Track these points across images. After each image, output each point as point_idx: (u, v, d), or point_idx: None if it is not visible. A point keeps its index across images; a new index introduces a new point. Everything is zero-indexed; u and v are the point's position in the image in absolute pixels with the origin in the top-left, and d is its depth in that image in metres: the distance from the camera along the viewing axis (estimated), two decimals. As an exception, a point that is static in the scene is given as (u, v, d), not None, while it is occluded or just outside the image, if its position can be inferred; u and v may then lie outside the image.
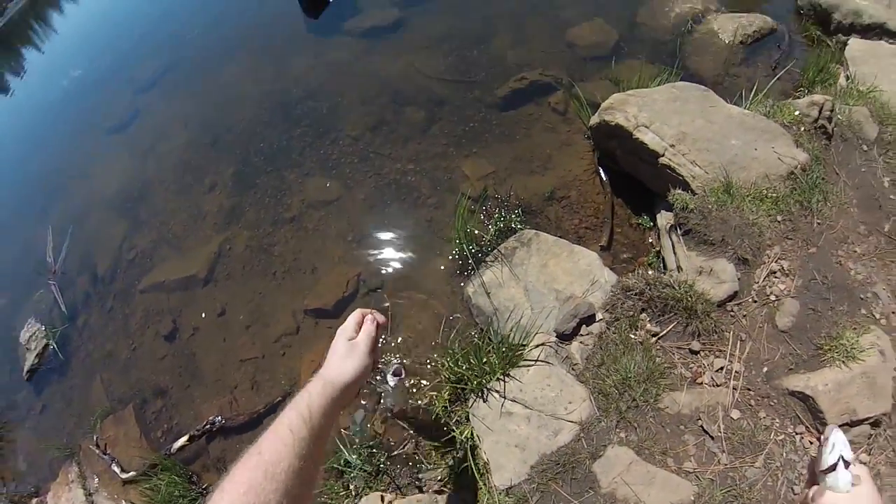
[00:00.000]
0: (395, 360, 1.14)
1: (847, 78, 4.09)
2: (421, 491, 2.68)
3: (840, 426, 2.40)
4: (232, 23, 7.07)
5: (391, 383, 1.33)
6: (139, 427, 3.65)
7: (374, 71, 5.29)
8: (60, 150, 6.65)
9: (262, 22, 6.76)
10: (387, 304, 3.51)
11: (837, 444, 0.99)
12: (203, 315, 3.99)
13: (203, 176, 4.95)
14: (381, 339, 1.43)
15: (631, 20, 5.30)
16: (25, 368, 4.31)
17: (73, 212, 5.41)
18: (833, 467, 0.97)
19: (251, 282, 4.02)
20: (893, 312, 2.79)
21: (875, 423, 2.46)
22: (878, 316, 2.74)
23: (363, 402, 3.14)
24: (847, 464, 0.97)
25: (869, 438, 2.44)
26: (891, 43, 4.62)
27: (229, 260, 4.22)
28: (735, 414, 2.41)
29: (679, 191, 3.12)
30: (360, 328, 1.29)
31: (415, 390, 3.06)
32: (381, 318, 1.33)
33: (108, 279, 4.60)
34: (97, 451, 3.60)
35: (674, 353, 2.65)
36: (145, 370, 3.91)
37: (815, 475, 1.02)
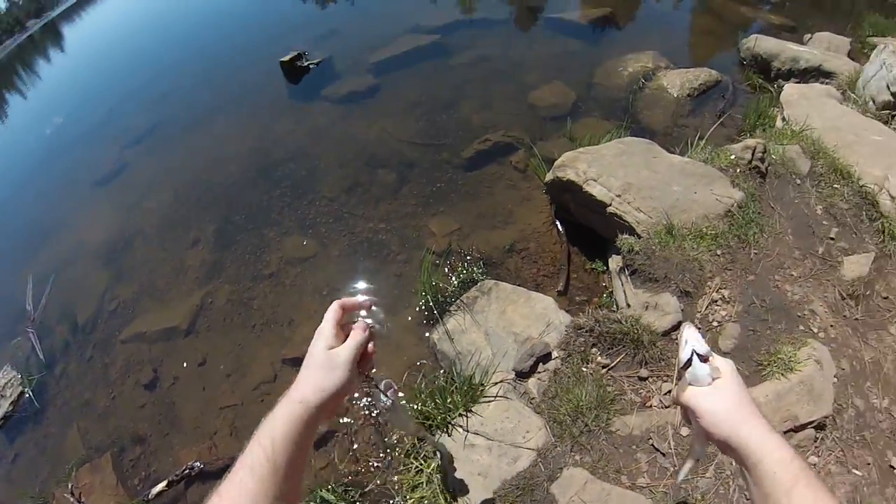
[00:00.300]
0: (382, 375, 1.03)
1: (783, 120, 4.42)
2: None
3: (785, 432, 2.51)
4: (218, 85, 7.40)
5: (387, 402, 1.20)
6: (116, 475, 3.62)
7: (350, 135, 5.62)
8: (45, 198, 6.76)
9: (247, 86, 7.11)
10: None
11: (690, 339, 0.98)
12: (184, 365, 4.08)
13: (187, 231, 5.13)
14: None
15: (588, 81, 5.78)
16: (-1, 415, 4.26)
17: (55, 261, 5.48)
18: (689, 362, 0.96)
19: (231, 333, 4.17)
20: (831, 325, 2.96)
21: (819, 427, 2.58)
22: (815, 330, 2.92)
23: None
24: (702, 357, 0.96)
25: (815, 441, 2.55)
26: (823, 83, 5.05)
27: (210, 312, 4.36)
28: (684, 431, 2.52)
29: (626, 236, 3.35)
30: (341, 329, 1.07)
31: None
32: (364, 299, 1.12)
33: (88, 329, 4.65)
34: (71, 499, 3.55)
35: (623, 381, 2.80)
36: (124, 418, 3.94)
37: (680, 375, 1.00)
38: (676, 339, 1.14)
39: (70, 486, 3.64)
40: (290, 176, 5.32)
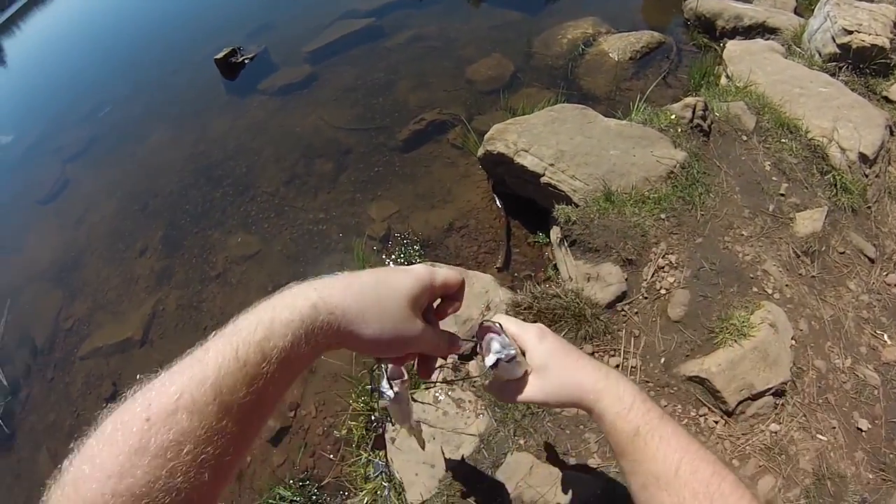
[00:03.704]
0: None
1: (727, 77, 4.37)
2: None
3: (741, 401, 2.48)
4: (154, 89, 7.26)
5: (390, 393, 0.97)
6: None
7: (287, 127, 5.57)
8: (-9, 225, 6.65)
9: (183, 87, 7.00)
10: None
11: (493, 348, 0.88)
12: (141, 375, 4.07)
13: (133, 241, 5.10)
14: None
15: (526, 51, 5.68)
16: (-28, 447, 4.25)
17: (8, 286, 5.42)
18: (495, 365, 0.87)
19: (183, 338, 4.16)
20: (787, 285, 2.89)
21: (778, 393, 2.52)
22: (770, 291, 2.84)
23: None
24: (509, 359, 0.87)
25: (775, 408, 2.50)
26: (768, 39, 5.04)
27: (162, 320, 4.36)
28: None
29: (562, 205, 3.25)
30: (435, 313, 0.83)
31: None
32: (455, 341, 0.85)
33: (47, 350, 4.64)
34: None
35: None
36: None
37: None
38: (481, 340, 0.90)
39: (46, 510, 3.67)
40: (230, 174, 5.28)
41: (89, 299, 4.87)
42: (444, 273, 0.78)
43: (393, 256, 3.99)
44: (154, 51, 8.28)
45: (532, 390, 0.88)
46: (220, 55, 6.51)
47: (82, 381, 4.31)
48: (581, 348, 2.69)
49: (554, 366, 0.86)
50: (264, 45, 6.86)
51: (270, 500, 3.00)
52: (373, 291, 0.67)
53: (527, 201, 3.89)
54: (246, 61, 6.59)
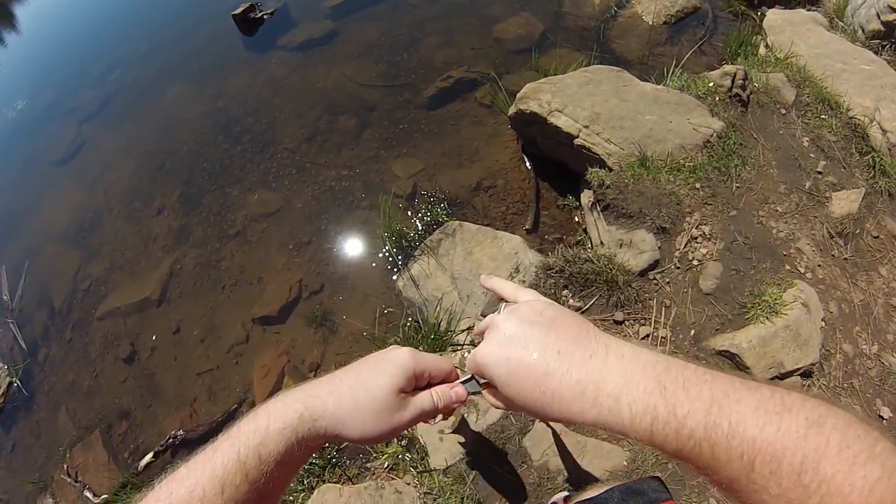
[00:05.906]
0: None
1: (766, 47, 4.23)
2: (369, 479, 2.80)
3: (770, 379, 2.44)
4: (171, 47, 7.11)
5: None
6: (107, 451, 3.68)
7: (309, 83, 5.42)
8: (8, 187, 6.56)
9: (201, 44, 6.83)
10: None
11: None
12: (159, 335, 4.07)
13: (151, 200, 5.01)
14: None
15: (556, 11, 5.48)
16: (-8, 409, 4.28)
17: (26, 248, 5.37)
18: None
19: (202, 297, 4.12)
20: (819, 265, 2.87)
21: (806, 374, 2.51)
22: (802, 270, 2.82)
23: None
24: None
25: (802, 389, 2.46)
26: (809, 10, 4.82)
27: (180, 279, 4.29)
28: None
29: (596, 168, 3.19)
30: (427, 382, 0.80)
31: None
32: (460, 394, 0.80)
33: (65, 311, 4.60)
34: (69, 480, 3.61)
35: (598, 326, 2.68)
36: (108, 395, 3.95)
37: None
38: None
39: (66, 467, 3.70)
40: (249, 130, 5.15)
41: (107, 259, 4.81)
42: (428, 362, 0.80)
43: (419, 214, 3.89)
44: (170, 8, 8.11)
45: (497, 400, 0.77)
46: (238, 11, 6.29)
47: (100, 341, 4.28)
48: (612, 316, 2.68)
49: (508, 374, 0.69)
50: (283, 1, 6.65)
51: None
52: (351, 398, 0.71)
53: (556, 163, 3.78)
54: (265, 17, 6.38)
